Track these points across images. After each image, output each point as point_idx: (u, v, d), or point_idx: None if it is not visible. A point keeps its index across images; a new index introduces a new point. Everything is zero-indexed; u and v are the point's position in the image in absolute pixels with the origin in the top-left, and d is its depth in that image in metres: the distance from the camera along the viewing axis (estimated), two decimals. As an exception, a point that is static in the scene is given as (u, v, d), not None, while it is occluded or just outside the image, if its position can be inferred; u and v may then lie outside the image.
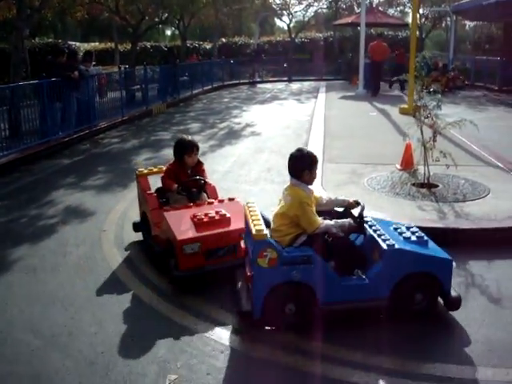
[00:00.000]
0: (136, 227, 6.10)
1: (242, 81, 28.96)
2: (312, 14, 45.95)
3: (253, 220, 4.28)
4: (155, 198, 5.69)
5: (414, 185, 7.45)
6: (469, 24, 49.29)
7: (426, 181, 7.39)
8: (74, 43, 35.54)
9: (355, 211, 4.67)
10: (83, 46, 35.00)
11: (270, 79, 30.59)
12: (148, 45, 38.13)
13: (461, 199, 6.86)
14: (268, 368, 3.75)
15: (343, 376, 3.62)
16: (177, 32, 40.22)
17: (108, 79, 16.29)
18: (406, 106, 13.92)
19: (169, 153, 8.84)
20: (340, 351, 3.91)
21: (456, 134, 10.53)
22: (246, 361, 3.85)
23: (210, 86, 25.21)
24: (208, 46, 40.48)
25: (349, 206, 4.75)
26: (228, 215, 5.14)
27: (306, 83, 28.33)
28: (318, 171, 8.16)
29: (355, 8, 41.55)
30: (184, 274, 4.78)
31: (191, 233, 4.90)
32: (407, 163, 8.20)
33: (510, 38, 27.99)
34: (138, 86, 18.18)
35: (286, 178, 8.35)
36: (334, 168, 8.57)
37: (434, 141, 7.18)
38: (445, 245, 5.12)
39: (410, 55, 14.32)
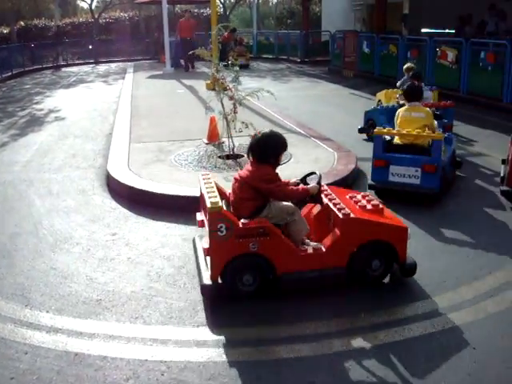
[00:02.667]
0: None
1: (45, 65, 27.29)
2: (115, -8, 44.69)
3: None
4: None
5: (220, 157, 7.51)
6: (272, 0, 51.09)
7: (231, 152, 7.49)
8: None
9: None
10: None
11: (76, 62, 29.25)
12: None
13: (265, 167, 7.03)
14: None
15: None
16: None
17: None
18: (210, 81, 14.07)
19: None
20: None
21: (260, 105, 10.82)
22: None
23: (9, 73, 23.45)
24: (5, 30, 37.64)
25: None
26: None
27: (114, 64, 27.50)
28: (125, 152, 8.06)
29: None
30: None
31: None
32: (212, 136, 8.27)
33: (308, 11, 29.46)
34: None
35: (94, 163, 8.05)
36: (140, 147, 8.36)
37: (235, 112, 7.27)
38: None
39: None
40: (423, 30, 19.81)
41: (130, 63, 26.58)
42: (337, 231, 4.24)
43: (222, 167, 7.11)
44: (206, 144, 8.30)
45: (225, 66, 7.68)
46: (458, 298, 4.19)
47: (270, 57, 28.70)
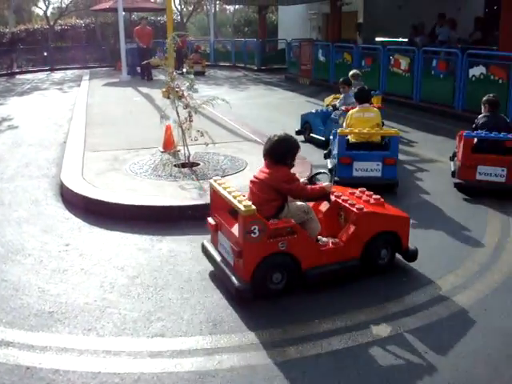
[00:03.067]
0: None
1: (-1, 73, 26.80)
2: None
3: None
4: None
5: (175, 165, 7.49)
6: (229, 8, 51.19)
7: (187, 160, 7.48)
8: None
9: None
10: None
11: (30, 69, 28.73)
12: None
13: (220, 175, 7.04)
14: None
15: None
16: None
17: None
18: (165, 89, 13.99)
19: None
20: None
21: (217, 112, 10.84)
22: None
23: (-40, 81, 22.94)
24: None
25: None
26: None
27: (70, 72, 27.12)
28: (79, 161, 7.97)
29: (115, -7, 40.79)
30: None
31: None
32: (168, 145, 8.25)
33: (265, 20, 29.64)
34: None
35: (47, 172, 7.94)
36: (95, 156, 8.28)
37: (191, 121, 7.27)
38: (206, 219, 5.28)
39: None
40: (377, 39, 20.09)
41: (85, 70, 26.28)
42: (352, 225, 4.60)
43: (178, 176, 7.08)
44: (162, 152, 8.27)
45: (180, 73, 7.68)
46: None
47: (228, 64, 28.77)
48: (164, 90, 7.48)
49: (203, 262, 4.94)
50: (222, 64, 29.12)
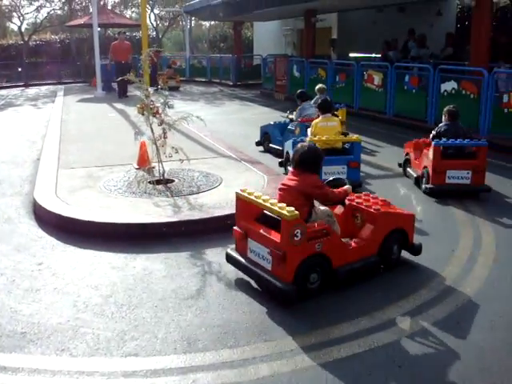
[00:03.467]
0: None
1: (-28, 88, 26.56)
2: (45, 15, 43.99)
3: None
4: None
5: (150, 182, 7.47)
6: (205, 24, 51.34)
7: (161, 177, 7.47)
8: None
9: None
10: None
11: (4, 85, 28.50)
12: None
13: (195, 191, 7.08)
14: None
15: None
16: None
17: None
18: (139, 106, 13.96)
19: None
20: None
21: (192, 128, 10.85)
22: None
23: None
24: None
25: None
26: None
27: (44, 87, 26.93)
28: (53, 178, 7.90)
29: (90, 8, 40.72)
30: None
31: None
32: (142, 161, 8.22)
33: (240, 36, 29.84)
34: None
35: (20, 190, 7.86)
36: (69, 173, 8.21)
37: (165, 137, 7.27)
38: (181, 236, 5.32)
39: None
40: (351, 55, 20.35)
41: (60, 86, 26.11)
42: (371, 225, 5.06)
43: (152, 193, 7.07)
44: (136, 169, 8.24)
45: (155, 89, 7.67)
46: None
47: (203, 80, 28.86)
48: (139, 106, 7.45)
49: (177, 279, 4.94)
50: (197, 79, 29.19)
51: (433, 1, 20.25)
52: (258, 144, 10.72)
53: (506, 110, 10.87)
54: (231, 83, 26.39)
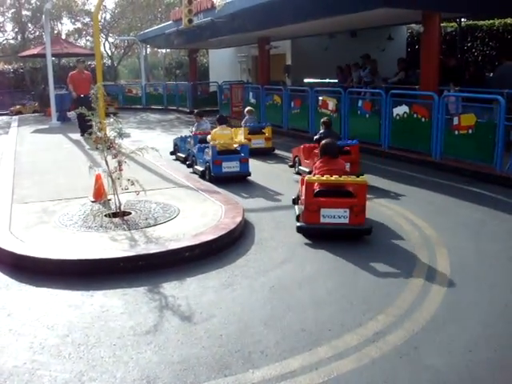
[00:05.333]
0: None
1: None
2: (-3, 45, 43.49)
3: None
4: None
5: (106, 215, 7.40)
6: (161, 51, 51.38)
7: (118, 210, 7.42)
8: None
9: None
10: None
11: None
12: None
13: (152, 223, 7.04)
14: None
15: None
16: None
17: None
18: (93, 140, 13.80)
19: None
20: None
21: (148, 157, 10.80)
22: None
23: None
24: None
25: None
26: None
27: (-2, 118, 26.55)
28: (7, 214, 7.75)
29: (44, 38, 40.42)
30: None
31: None
32: (98, 194, 8.14)
33: (195, 63, 29.99)
34: None
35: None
36: (23, 209, 8.06)
37: (120, 170, 7.22)
38: (138, 270, 5.27)
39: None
40: (306, 80, 20.67)
41: (14, 117, 25.73)
42: None
43: (109, 226, 7.00)
44: (92, 202, 8.16)
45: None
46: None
47: (160, 107, 28.83)
48: (93, 140, 7.40)
49: (135, 315, 4.90)
50: (154, 107, 29.13)
51: (384, 27, 20.76)
52: (171, 153, 13.29)
53: (456, 133, 11.15)
54: (188, 110, 26.44)
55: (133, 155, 7.45)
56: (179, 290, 5.43)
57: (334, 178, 7.02)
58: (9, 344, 4.50)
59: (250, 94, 20.03)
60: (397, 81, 15.68)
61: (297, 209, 7.57)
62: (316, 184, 7.04)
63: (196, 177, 10.50)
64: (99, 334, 4.60)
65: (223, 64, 29.49)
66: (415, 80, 14.80)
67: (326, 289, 5.46)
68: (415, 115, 12.34)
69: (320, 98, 15.70)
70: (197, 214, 7.48)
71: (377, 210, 8.15)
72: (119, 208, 7.41)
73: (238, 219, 7.15)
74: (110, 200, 7.81)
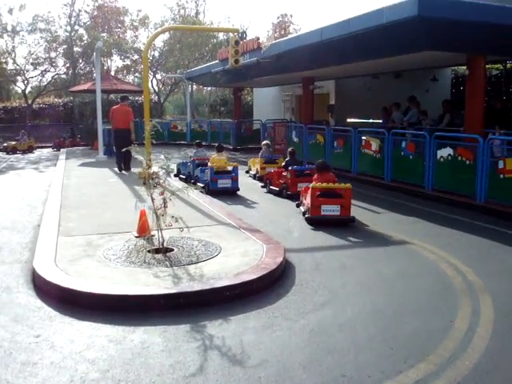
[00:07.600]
0: None
1: (-25, 151, 26.85)
2: (49, 79, 45.02)
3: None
4: None
5: (149, 251, 7.49)
6: (207, 88, 52.39)
7: (161, 246, 7.51)
8: None
9: None
10: None
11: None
12: None
13: (194, 261, 7.09)
14: None
15: None
16: None
17: None
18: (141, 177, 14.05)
19: None
20: None
21: (193, 196, 10.95)
22: None
23: None
24: None
25: None
26: None
27: (46, 150, 27.34)
28: (53, 246, 7.92)
29: (94, 73, 41.73)
30: None
31: None
32: (142, 230, 8.26)
33: (240, 101, 30.45)
34: None
35: (20, 257, 7.87)
36: (69, 241, 8.25)
37: (165, 207, 7.33)
38: (179, 307, 5.27)
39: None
40: (349, 120, 20.75)
41: (62, 149, 26.47)
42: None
43: (151, 262, 7.08)
44: (136, 237, 8.29)
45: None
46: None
47: (204, 144, 29.13)
48: (141, 176, 7.57)
49: (175, 354, 4.91)
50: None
51: (428, 68, 20.76)
52: (175, 175, 15.41)
53: (501, 176, 10.99)
54: (231, 147, 26.76)
55: (177, 194, 7.55)
56: (219, 329, 5.44)
57: (330, 184, 10.17)
58: (50, 377, 4.56)
59: (293, 132, 20.19)
60: (445, 125, 15.52)
61: (302, 208, 10.86)
62: (318, 189, 10.09)
63: (237, 215, 10.56)
64: (139, 371, 4.63)
65: (267, 102, 29.86)
66: (460, 122, 14.68)
67: (367, 333, 5.39)
68: (460, 158, 12.22)
69: (363, 138, 15.74)
70: (238, 252, 7.52)
71: (420, 253, 8.07)
72: (162, 244, 7.49)
73: (279, 259, 7.15)
74: (153, 236, 7.92)
